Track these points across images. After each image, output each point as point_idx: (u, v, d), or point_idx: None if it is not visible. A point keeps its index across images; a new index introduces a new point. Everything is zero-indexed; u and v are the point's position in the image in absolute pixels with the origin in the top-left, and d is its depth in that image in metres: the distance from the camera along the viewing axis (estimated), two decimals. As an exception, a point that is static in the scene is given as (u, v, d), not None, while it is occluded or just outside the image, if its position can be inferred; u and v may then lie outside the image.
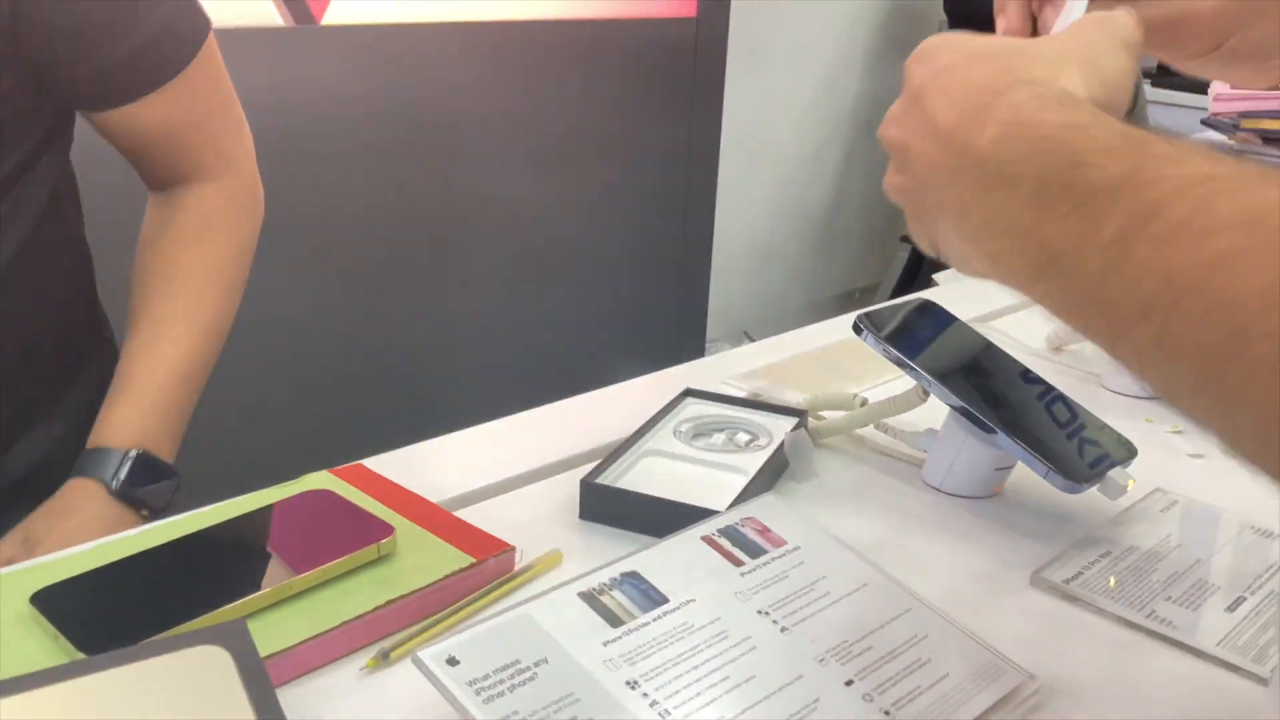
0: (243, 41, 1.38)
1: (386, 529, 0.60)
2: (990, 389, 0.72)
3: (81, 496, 0.79)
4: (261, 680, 0.47)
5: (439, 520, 0.64)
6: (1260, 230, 0.33)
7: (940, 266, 0.59)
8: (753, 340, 2.64)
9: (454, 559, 0.60)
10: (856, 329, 0.74)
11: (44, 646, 0.52)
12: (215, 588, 0.55)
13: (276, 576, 0.56)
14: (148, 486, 0.80)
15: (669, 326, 2.26)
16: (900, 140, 0.48)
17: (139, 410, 0.82)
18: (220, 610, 0.53)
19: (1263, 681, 0.55)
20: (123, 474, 0.79)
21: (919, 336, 0.74)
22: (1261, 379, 0.31)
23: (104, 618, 0.53)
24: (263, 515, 0.62)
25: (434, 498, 0.68)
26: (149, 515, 0.80)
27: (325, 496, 0.64)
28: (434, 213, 1.78)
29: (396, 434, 0.85)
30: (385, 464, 0.74)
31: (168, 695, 0.45)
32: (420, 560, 0.60)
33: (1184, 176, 0.36)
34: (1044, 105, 0.42)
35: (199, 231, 0.87)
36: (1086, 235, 0.37)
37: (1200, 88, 2.02)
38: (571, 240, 1.98)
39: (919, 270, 2.86)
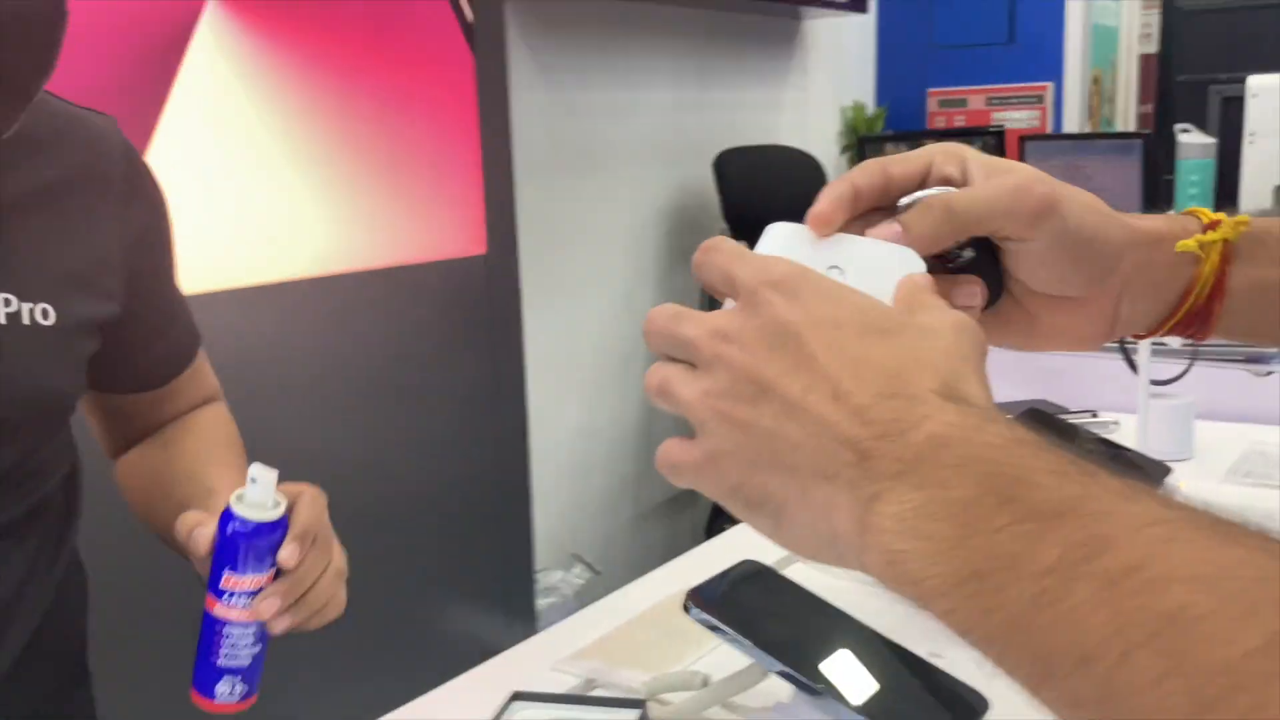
0: None
1: None
2: (828, 651, 0.69)
3: None
4: None
5: None
6: (1223, 590, 0.29)
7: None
8: (588, 564, 2.58)
9: None
10: (686, 608, 0.70)
11: None
12: None
13: None
14: None
15: (496, 560, 2.18)
16: (746, 369, 0.40)
17: None
18: None
19: None
20: None
21: (750, 606, 0.71)
22: None
23: None
24: None
25: None
26: None
27: None
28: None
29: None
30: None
31: None
32: None
33: (1135, 515, 0.33)
34: (983, 421, 0.37)
35: (216, 418, 0.93)
36: (1020, 556, 0.33)
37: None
38: (391, 488, 1.90)
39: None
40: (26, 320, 0.72)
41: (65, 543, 0.83)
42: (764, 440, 0.40)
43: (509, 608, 2.13)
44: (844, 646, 0.70)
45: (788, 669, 0.66)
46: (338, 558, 0.75)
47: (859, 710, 0.63)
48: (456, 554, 2.08)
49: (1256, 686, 0.28)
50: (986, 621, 0.34)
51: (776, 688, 0.76)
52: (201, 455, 0.86)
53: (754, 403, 0.40)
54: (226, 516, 0.69)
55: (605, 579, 2.40)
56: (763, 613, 0.71)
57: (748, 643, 0.67)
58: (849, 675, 0.66)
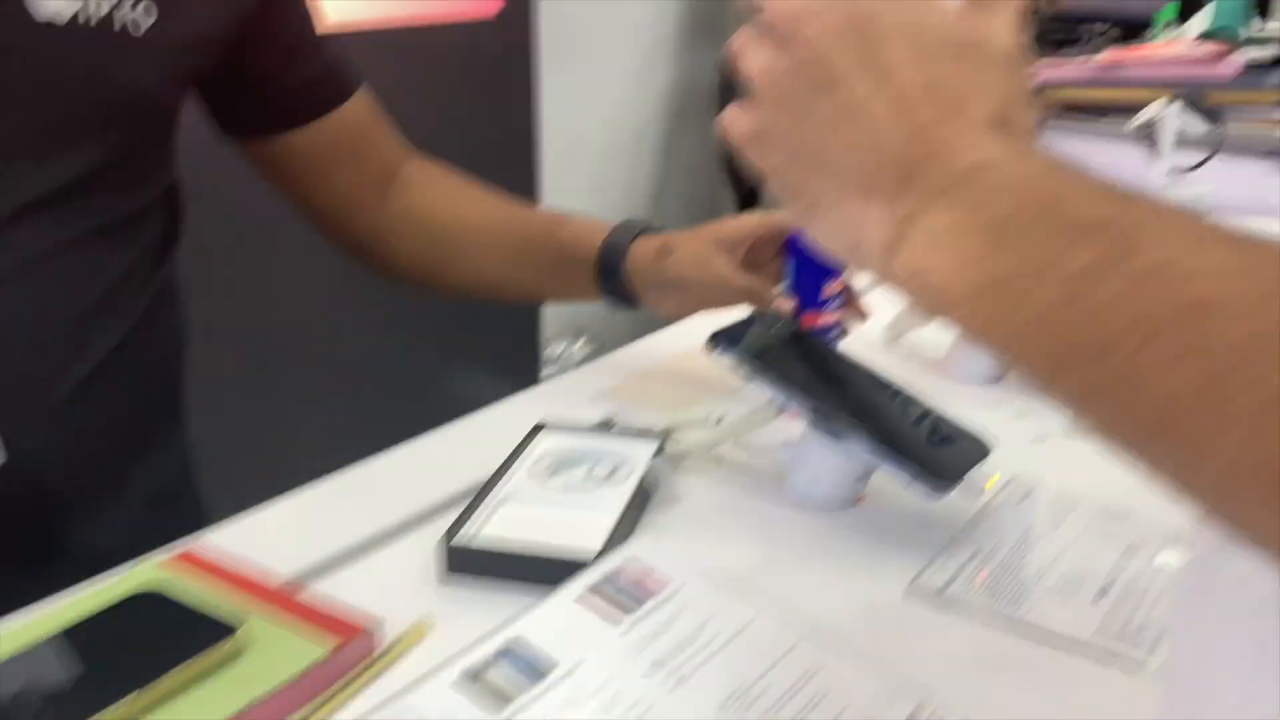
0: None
1: (226, 629, 0.55)
2: (844, 396, 0.72)
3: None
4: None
5: (287, 605, 0.59)
6: (1247, 280, 0.31)
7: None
8: (591, 335, 2.61)
9: (309, 650, 0.55)
10: (709, 346, 0.72)
11: None
12: (53, 712, 0.49)
13: (114, 695, 0.50)
14: None
15: (502, 330, 2.21)
16: (818, 53, 0.39)
17: None
18: (48, 751, 0.47)
19: (1140, 666, 0.57)
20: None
21: (769, 348, 0.73)
22: (1235, 433, 0.29)
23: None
24: (92, 627, 0.56)
25: (281, 571, 0.63)
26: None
27: (155, 600, 0.58)
28: (249, 227, 1.67)
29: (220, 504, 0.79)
30: (222, 537, 0.68)
31: None
32: (273, 655, 0.55)
33: (1170, 226, 0.33)
34: (1028, 150, 0.38)
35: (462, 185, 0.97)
36: (1051, 263, 0.34)
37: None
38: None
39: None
40: (123, 18, 0.70)
41: (162, 264, 0.83)
42: (813, 134, 0.40)
43: (514, 377, 2.18)
44: (859, 389, 0.73)
45: (812, 403, 0.69)
46: None
47: (876, 448, 0.67)
48: (461, 320, 2.11)
49: (1260, 363, 0.29)
50: (1007, 323, 0.35)
51: (787, 427, 0.79)
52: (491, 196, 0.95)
53: (815, 93, 0.40)
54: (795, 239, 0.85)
55: (608, 353, 2.44)
56: (783, 353, 0.73)
57: (768, 376, 0.70)
58: (864, 415, 0.70)
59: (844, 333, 0.90)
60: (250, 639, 0.55)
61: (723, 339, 0.72)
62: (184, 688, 0.52)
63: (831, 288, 0.87)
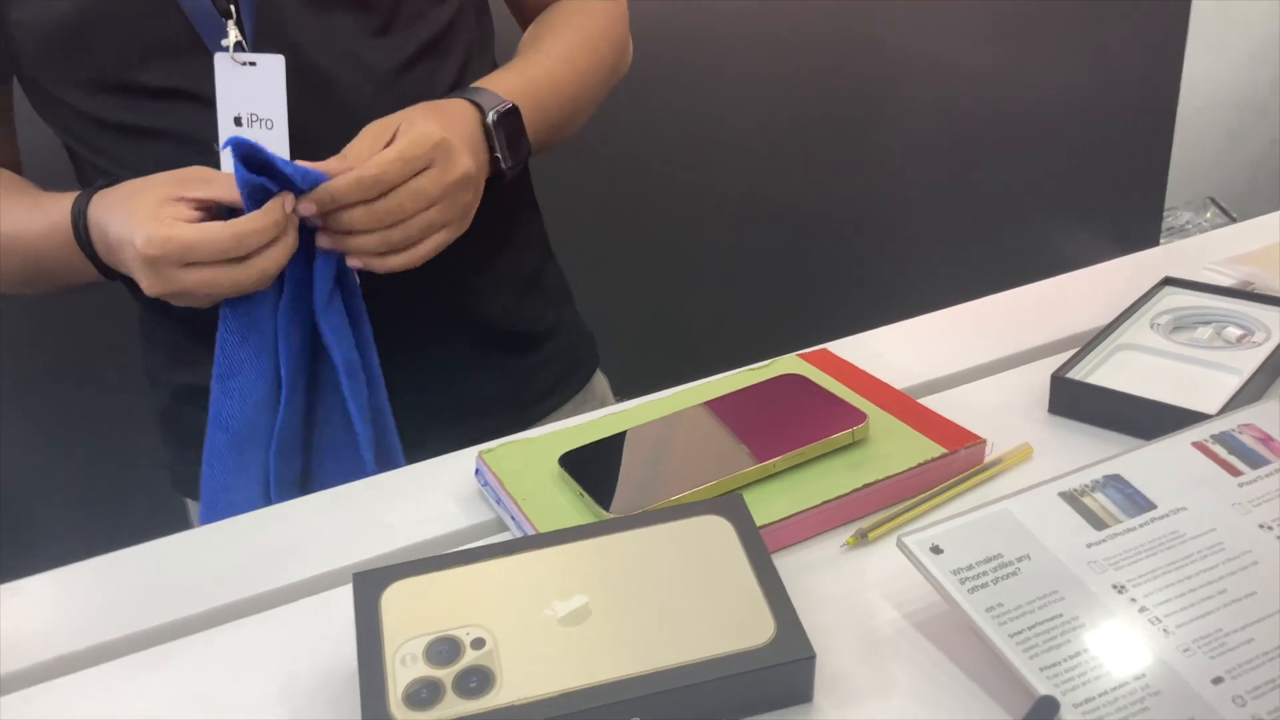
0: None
1: (859, 415, 0.63)
2: None
3: (458, 110, 0.80)
4: (760, 548, 0.52)
5: (906, 408, 0.66)
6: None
7: None
8: (1222, 209, 2.37)
9: (925, 448, 0.62)
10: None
11: (571, 502, 0.61)
12: (709, 460, 0.62)
13: (764, 453, 0.61)
14: (509, 136, 0.83)
15: (1119, 190, 2.08)
16: None
17: (521, 86, 0.85)
18: (717, 483, 0.59)
19: None
20: (502, 108, 0.81)
21: None
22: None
23: (618, 481, 0.61)
24: (744, 396, 0.68)
25: (896, 384, 0.70)
26: (498, 162, 0.82)
27: (797, 381, 0.68)
28: (865, 76, 1.74)
29: (852, 317, 0.88)
30: (846, 348, 0.77)
31: (682, 555, 0.52)
32: (891, 448, 0.62)
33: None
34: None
35: (575, 12, 0.95)
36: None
37: None
38: (1012, 95, 1.86)
39: None
40: None
41: (485, 55, 0.93)
42: None
43: (1129, 240, 2.06)
44: None
45: None
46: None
47: None
48: (1076, 177, 2.02)
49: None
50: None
51: None
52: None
53: None
54: None
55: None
56: None
57: None
58: None
59: None
60: (875, 430, 0.64)
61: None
62: (820, 458, 0.62)
63: None
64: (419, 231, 0.75)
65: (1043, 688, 0.44)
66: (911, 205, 1.87)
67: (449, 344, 0.91)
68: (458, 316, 0.91)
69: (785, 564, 0.57)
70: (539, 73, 0.88)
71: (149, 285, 0.73)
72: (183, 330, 0.86)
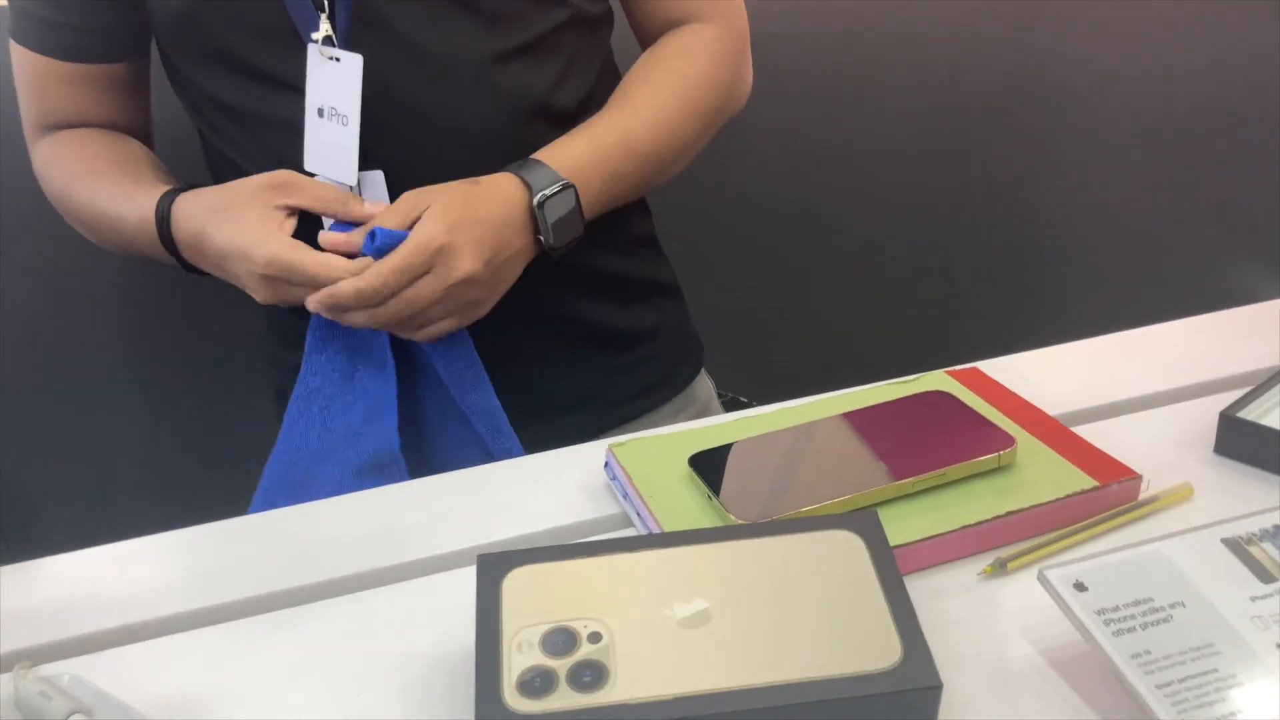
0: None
1: (1007, 439, 0.60)
2: None
3: (501, 194, 0.80)
4: (891, 569, 0.50)
5: (1057, 436, 0.63)
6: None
7: None
8: None
9: (1075, 479, 0.59)
10: None
11: (699, 504, 0.60)
12: (845, 473, 0.60)
13: (900, 471, 0.59)
14: (560, 219, 0.82)
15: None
16: None
17: (590, 154, 0.84)
18: (851, 497, 0.57)
19: None
20: (550, 192, 0.80)
21: None
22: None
23: (748, 486, 0.60)
24: (887, 410, 0.65)
25: (1048, 410, 0.67)
26: (541, 245, 0.82)
27: (944, 399, 0.66)
28: (1051, 82, 1.66)
29: (1007, 337, 0.84)
30: (997, 369, 0.74)
31: (809, 568, 0.50)
32: (1039, 475, 0.59)
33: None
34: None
35: (676, 52, 0.91)
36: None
37: None
38: (1191, 104, 1.75)
39: None
40: None
41: (600, 47, 0.92)
42: None
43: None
44: None
45: None
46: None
47: None
48: (1252, 203, 1.90)
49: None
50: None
51: None
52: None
53: None
54: None
55: None
56: None
57: None
58: None
59: None
60: (1023, 456, 0.61)
61: None
62: (962, 480, 0.59)
63: None
64: (418, 327, 0.80)
65: (1191, 746, 0.41)
66: (1069, 219, 1.79)
67: (543, 340, 0.91)
68: (554, 312, 0.91)
69: (917, 588, 0.54)
70: (617, 137, 0.86)
71: (263, 296, 0.80)
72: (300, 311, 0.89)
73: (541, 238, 0.82)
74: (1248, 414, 0.63)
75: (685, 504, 0.60)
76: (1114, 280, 1.81)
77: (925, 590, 0.54)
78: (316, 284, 0.76)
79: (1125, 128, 1.74)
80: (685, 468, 0.62)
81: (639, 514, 0.61)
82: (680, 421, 0.85)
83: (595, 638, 0.48)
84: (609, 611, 0.49)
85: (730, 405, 1.08)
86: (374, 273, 0.76)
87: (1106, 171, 1.77)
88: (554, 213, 0.81)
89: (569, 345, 0.93)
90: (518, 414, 0.88)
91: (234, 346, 1.26)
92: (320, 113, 0.81)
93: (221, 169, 0.90)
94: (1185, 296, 0.83)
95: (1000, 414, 0.65)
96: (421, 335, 0.80)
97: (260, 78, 0.83)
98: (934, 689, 0.45)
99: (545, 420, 0.90)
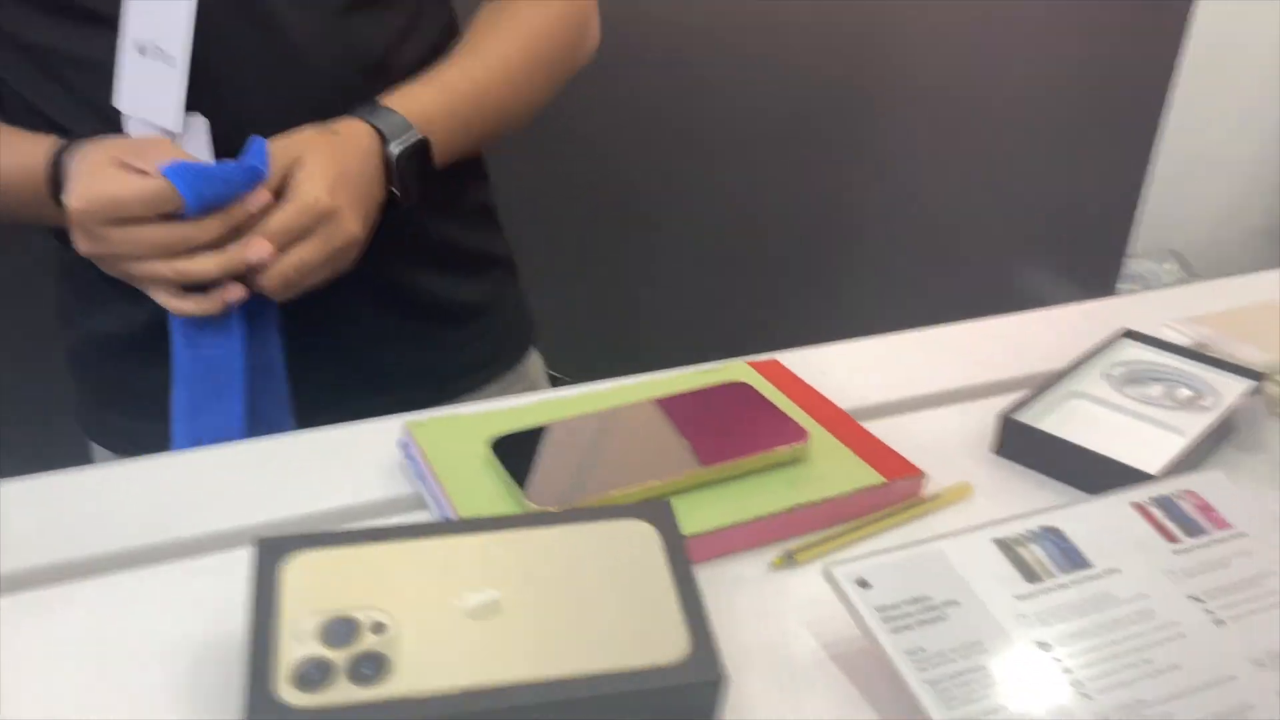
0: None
1: (801, 433, 0.62)
2: None
3: (358, 144, 0.76)
4: (683, 560, 0.50)
5: (849, 431, 0.65)
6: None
7: None
8: (1182, 262, 2.39)
9: (863, 474, 0.60)
10: (1350, 295, 0.65)
11: (497, 489, 0.58)
12: (643, 462, 0.59)
13: (700, 461, 0.59)
14: (412, 171, 0.79)
15: (1083, 232, 2.09)
16: None
17: (440, 103, 0.81)
18: (648, 486, 0.57)
19: None
20: (404, 141, 0.78)
21: None
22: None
23: (548, 472, 0.59)
24: (688, 400, 0.66)
25: (842, 404, 0.69)
26: (391, 199, 0.79)
27: (745, 391, 0.66)
28: (865, 83, 1.72)
29: (805, 330, 0.86)
30: (796, 361, 0.75)
31: (602, 559, 0.50)
32: (829, 469, 0.61)
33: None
34: None
35: (525, 1, 0.89)
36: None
37: None
38: (999, 128, 1.86)
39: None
40: None
41: (445, 4, 0.89)
42: None
43: (1086, 283, 2.07)
44: None
45: None
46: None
47: None
48: (1043, 213, 2.02)
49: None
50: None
51: None
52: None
53: None
54: None
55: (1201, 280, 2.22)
56: None
57: None
58: None
59: None
60: (815, 450, 0.62)
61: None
62: (756, 471, 0.60)
63: None
64: (293, 288, 0.74)
65: (955, 741, 0.43)
66: (879, 224, 1.86)
67: (375, 311, 0.88)
68: (392, 281, 0.88)
69: (709, 577, 0.55)
70: (467, 87, 0.83)
71: (81, 245, 0.72)
72: (100, 272, 0.82)
73: (394, 189, 0.78)
74: (1024, 416, 0.66)
75: (483, 488, 0.58)
76: (917, 280, 1.90)
77: (717, 580, 0.55)
78: (122, 212, 0.69)
79: (931, 135, 1.83)
80: (485, 451, 0.61)
81: (434, 497, 0.59)
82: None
83: (379, 628, 0.46)
84: (395, 601, 0.47)
85: (561, 386, 1.07)
86: (256, 244, 0.71)
87: (913, 177, 1.85)
88: (406, 163, 0.78)
89: (405, 317, 0.89)
90: (350, 386, 0.84)
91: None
92: (142, 50, 0.74)
93: (20, 118, 0.80)
94: (982, 298, 0.87)
95: (797, 407, 0.66)
96: (287, 294, 0.75)
97: (68, 10, 0.75)
98: (719, 683, 0.45)
99: (379, 393, 0.87)
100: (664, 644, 0.46)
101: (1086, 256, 2.09)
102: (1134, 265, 2.22)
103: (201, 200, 0.70)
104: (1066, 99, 1.91)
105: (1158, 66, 1.96)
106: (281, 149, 0.73)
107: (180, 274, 0.71)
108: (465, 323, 0.94)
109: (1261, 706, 0.46)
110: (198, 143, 0.76)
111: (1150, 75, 1.96)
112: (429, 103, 0.80)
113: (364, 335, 0.88)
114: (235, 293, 0.72)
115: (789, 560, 0.56)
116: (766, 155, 1.73)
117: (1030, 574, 0.50)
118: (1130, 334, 0.76)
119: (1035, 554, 0.51)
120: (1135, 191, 2.06)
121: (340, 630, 0.45)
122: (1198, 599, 0.50)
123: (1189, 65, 1.97)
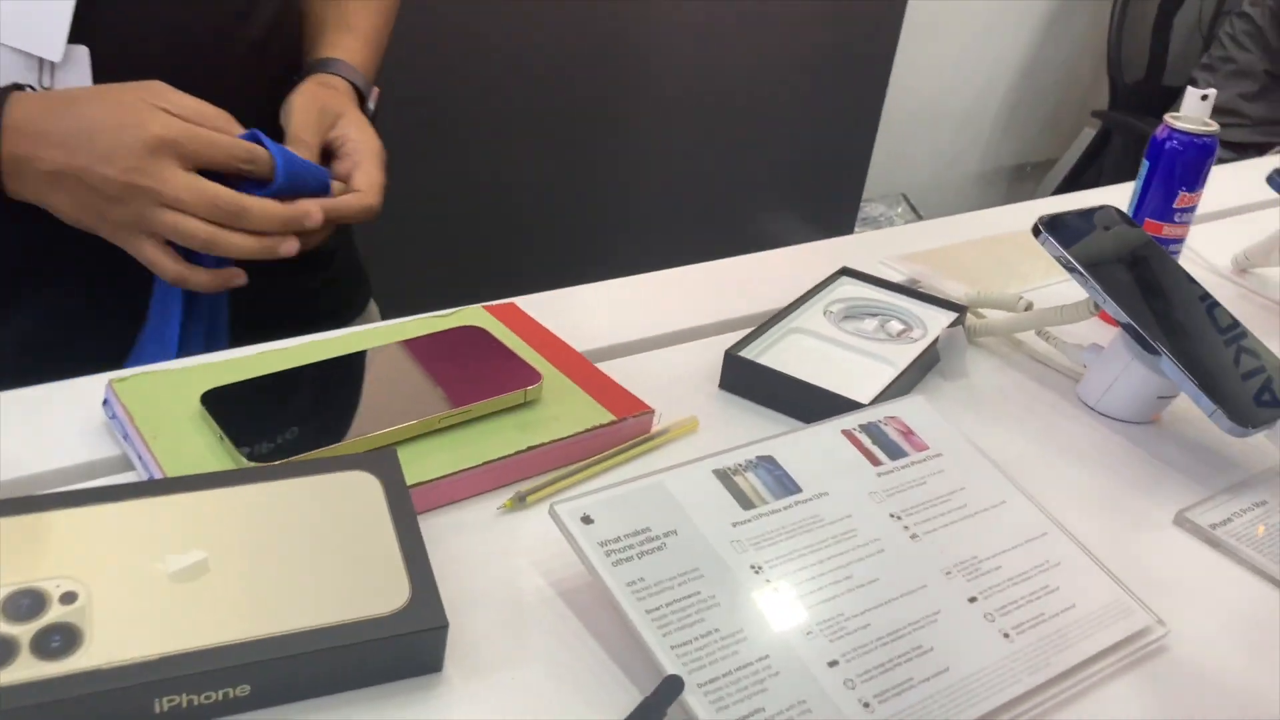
0: None
1: (534, 375, 0.62)
2: (1168, 313, 0.68)
3: (348, 91, 0.80)
4: (407, 509, 0.49)
5: (583, 372, 0.65)
6: None
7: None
8: (911, 205, 2.55)
9: (595, 414, 0.61)
10: (1035, 231, 0.70)
11: (210, 446, 0.55)
12: (369, 410, 0.58)
13: (428, 408, 0.58)
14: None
15: (824, 180, 2.20)
16: None
17: (366, 53, 0.84)
18: (373, 435, 0.56)
19: None
20: (373, 97, 0.83)
21: (1099, 247, 0.70)
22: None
23: (265, 426, 0.56)
24: (420, 345, 0.64)
25: (577, 346, 0.69)
26: None
27: (479, 334, 0.66)
28: (615, 55, 1.74)
29: (547, 275, 0.86)
30: (533, 304, 0.75)
31: (320, 512, 0.48)
32: (562, 410, 0.61)
33: None
34: None
35: None
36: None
37: None
38: (744, 86, 1.92)
39: (1103, 150, 2.70)
40: None
41: None
42: None
43: (829, 225, 2.18)
44: (1183, 308, 0.70)
45: (1130, 311, 0.66)
46: None
47: (1184, 371, 0.64)
48: (788, 163, 2.11)
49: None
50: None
51: (1097, 329, 0.77)
52: None
53: None
54: None
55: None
56: (1113, 254, 0.70)
57: (1091, 274, 0.67)
58: (1182, 335, 0.66)
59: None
60: (549, 391, 0.62)
61: (1052, 226, 0.70)
62: (489, 416, 0.60)
63: (1186, 199, 0.81)
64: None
65: (671, 666, 0.44)
66: (639, 185, 1.90)
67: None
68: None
69: (438, 525, 0.54)
70: (372, 34, 0.86)
71: (113, 175, 0.65)
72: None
73: None
74: (747, 352, 0.69)
75: (194, 446, 0.55)
76: (675, 236, 1.94)
77: (447, 527, 0.54)
78: (210, 157, 0.67)
79: (689, 106, 1.87)
80: (197, 406, 0.57)
81: (140, 457, 0.55)
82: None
83: (69, 598, 0.43)
84: (88, 569, 0.44)
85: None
86: (376, 190, 0.73)
87: (668, 141, 1.89)
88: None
89: (273, 264, 0.84)
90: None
91: None
92: None
93: None
94: (732, 247, 0.90)
95: (531, 349, 0.66)
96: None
97: None
98: (439, 629, 0.45)
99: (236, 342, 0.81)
100: (384, 594, 0.45)
101: (827, 202, 2.20)
102: (869, 209, 2.35)
103: (288, 178, 0.69)
104: (808, 63, 2.00)
105: (885, 29, 2.07)
106: (313, 106, 0.75)
107: (213, 242, 0.67)
108: (321, 268, 0.90)
109: (947, 611, 0.50)
110: (79, 72, 0.69)
111: (877, 39, 2.07)
112: (363, 58, 0.84)
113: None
114: (238, 278, 0.71)
115: (520, 502, 0.56)
116: (529, 132, 1.72)
117: (746, 501, 0.52)
118: (848, 271, 0.80)
119: (750, 482, 0.54)
120: (868, 142, 2.18)
121: (25, 604, 0.42)
122: (897, 517, 0.54)
123: (909, 26, 2.09)
